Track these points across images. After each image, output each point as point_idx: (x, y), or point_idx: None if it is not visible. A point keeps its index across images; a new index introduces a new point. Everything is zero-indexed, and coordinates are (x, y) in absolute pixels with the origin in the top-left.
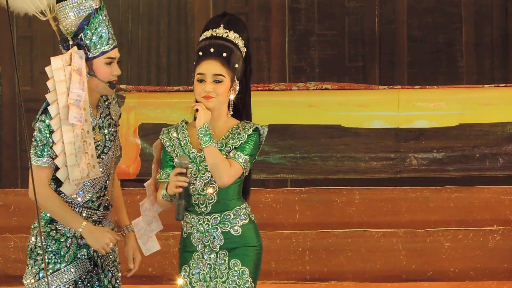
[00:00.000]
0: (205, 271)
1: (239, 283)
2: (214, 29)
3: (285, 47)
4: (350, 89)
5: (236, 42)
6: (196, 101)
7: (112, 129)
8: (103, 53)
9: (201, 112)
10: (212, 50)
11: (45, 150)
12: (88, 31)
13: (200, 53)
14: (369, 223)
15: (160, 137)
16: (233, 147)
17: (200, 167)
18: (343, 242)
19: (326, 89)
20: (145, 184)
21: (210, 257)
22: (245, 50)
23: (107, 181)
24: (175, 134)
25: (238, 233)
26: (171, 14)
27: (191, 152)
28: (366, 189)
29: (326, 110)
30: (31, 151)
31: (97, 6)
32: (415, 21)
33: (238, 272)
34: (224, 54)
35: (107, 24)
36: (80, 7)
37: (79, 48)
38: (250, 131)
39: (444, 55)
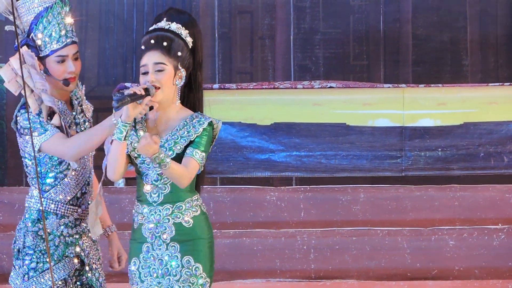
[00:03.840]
0: (156, 265)
1: (193, 281)
2: (156, 23)
3: (290, 45)
4: (355, 87)
5: (179, 32)
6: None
7: (87, 125)
8: (53, 51)
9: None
10: (152, 41)
11: (42, 123)
12: (37, 31)
13: (143, 47)
14: (374, 221)
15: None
16: (189, 140)
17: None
18: (348, 240)
19: (331, 87)
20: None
21: (160, 250)
22: (191, 40)
23: (89, 177)
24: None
25: (190, 224)
26: None
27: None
28: (371, 188)
29: (331, 109)
30: (35, 140)
31: (48, 5)
32: (420, 19)
33: (191, 270)
34: (165, 43)
35: (59, 22)
36: (31, 6)
37: (29, 47)
38: (206, 125)
39: (449, 53)
